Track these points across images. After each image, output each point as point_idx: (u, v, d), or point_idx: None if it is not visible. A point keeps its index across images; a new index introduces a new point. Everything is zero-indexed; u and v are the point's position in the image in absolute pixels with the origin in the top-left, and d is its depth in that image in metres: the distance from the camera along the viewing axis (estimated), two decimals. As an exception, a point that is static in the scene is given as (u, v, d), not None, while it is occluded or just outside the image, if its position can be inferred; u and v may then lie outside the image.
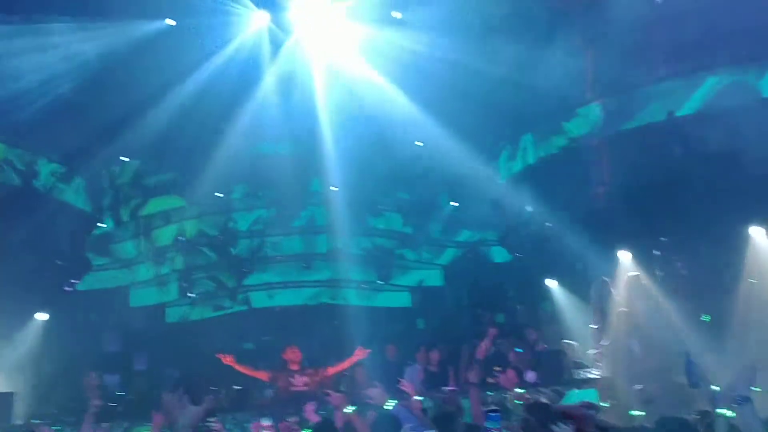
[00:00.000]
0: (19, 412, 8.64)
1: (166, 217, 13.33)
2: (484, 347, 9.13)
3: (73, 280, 11.58)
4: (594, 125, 11.15)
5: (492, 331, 9.89)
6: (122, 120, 10.55)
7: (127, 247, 13.30)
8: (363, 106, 11.04)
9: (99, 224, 12.23)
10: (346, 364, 9.59)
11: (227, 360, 9.34)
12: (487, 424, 3.30)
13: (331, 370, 9.49)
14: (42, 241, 10.08)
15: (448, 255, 14.32)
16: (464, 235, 14.21)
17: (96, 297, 12.28)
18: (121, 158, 11.89)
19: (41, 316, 10.85)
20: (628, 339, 9.02)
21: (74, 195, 11.24)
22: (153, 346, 12.78)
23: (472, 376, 6.88)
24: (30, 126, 10.08)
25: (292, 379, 9.22)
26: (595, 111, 11.14)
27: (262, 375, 9.47)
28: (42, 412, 9.03)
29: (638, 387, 7.39)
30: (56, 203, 10.65)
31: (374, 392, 5.55)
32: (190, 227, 13.65)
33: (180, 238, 13.26)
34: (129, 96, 10.25)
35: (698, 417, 4.99)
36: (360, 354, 9.45)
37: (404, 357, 10.73)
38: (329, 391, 7.33)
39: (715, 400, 4.34)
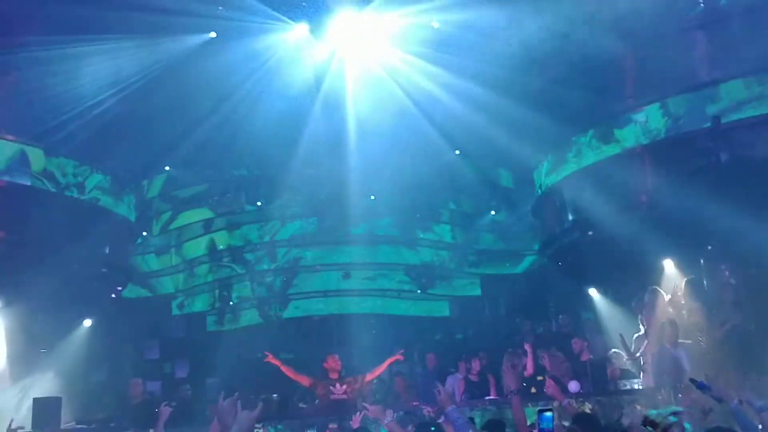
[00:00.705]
0: (66, 417, 8.78)
1: (200, 227, 13.50)
2: (529, 363, 9.10)
3: (118, 288, 11.79)
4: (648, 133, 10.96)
5: (528, 346, 9.88)
6: (167, 132, 10.73)
7: (165, 257, 13.52)
8: (404, 114, 11.03)
9: (143, 233, 12.44)
10: (383, 367, 9.61)
11: (274, 361, 9.44)
12: (541, 425, 3.26)
13: (369, 377, 9.50)
14: (88, 250, 10.26)
15: (488, 265, 14.26)
16: (505, 245, 14.14)
17: (139, 305, 12.48)
18: (166, 168, 12.07)
19: (87, 323, 11.10)
20: (675, 350, 8.83)
21: (118, 204, 11.44)
22: (194, 354, 12.94)
23: (513, 383, 6.82)
24: (78, 137, 10.31)
25: (332, 388, 9.23)
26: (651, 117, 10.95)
27: (304, 380, 9.50)
28: (88, 418, 9.18)
29: (693, 396, 7.18)
30: (101, 212, 10.84)
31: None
32: (222, 238, 13.84)
33: (216, 248, 13.43)
34: (174, 109, 10.42)
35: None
36: (397, 356, 9.49)
37: (444, 366, 10.70)
38: (366, 405, 7.35)
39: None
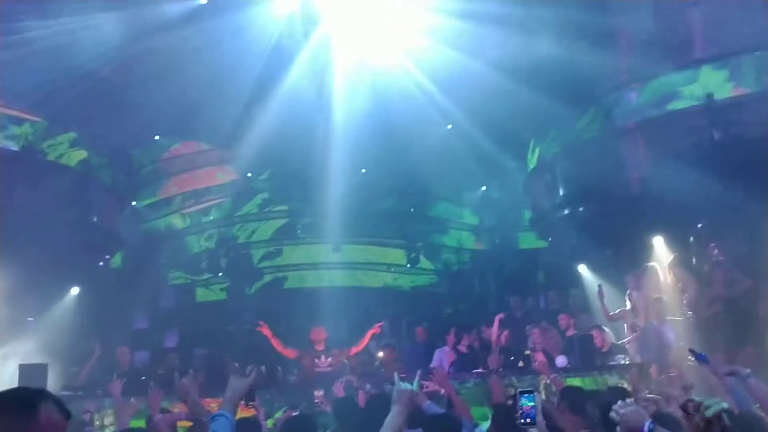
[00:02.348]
0: (52, 384, 8.76)
1: (194, 196, 13.40)
2: (495, 333, 9.14)
3: (106, 256, 11.73)
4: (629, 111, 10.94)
5: (499, 315, 9.96)
6: (152, 102, 10.59)
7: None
8: (386, 91, 10.94)
9: (132, 203, 12.35)
10: (365, 340, 9.70)
11: (267, 332, 9.52)
12: (522, 406, 3.26)
13: (354, 350, 9.60)
14: (75, 217, 10.19)
15: (477, 239, 14.27)
16: (494, 220, 14.13)
17: (128, 274, 12.42)
18: (156, 138, 11.95)
19: (75, 291, 11.06)
20: (662, 326, 8.89)
21: (105, 173, 11.34)
22: (183, 324, 12.92)
23: (493, 362, 6.93)
24: (65, 106, 10.17)
25: (317, 360, 9.32)
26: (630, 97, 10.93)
27: (291, 353, 9.58)
28: (74, 384, 9.17)
29: (674, 374, 7.25)
30: (88, 180, 10.74)
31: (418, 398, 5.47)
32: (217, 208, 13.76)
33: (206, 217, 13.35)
34: (159, 78, 10.28)
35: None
36: (375, 329, 9.58)
37: (433, 339, 10.73)
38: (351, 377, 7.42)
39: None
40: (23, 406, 2.06)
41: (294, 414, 5.98)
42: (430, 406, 5.00)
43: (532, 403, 3.44)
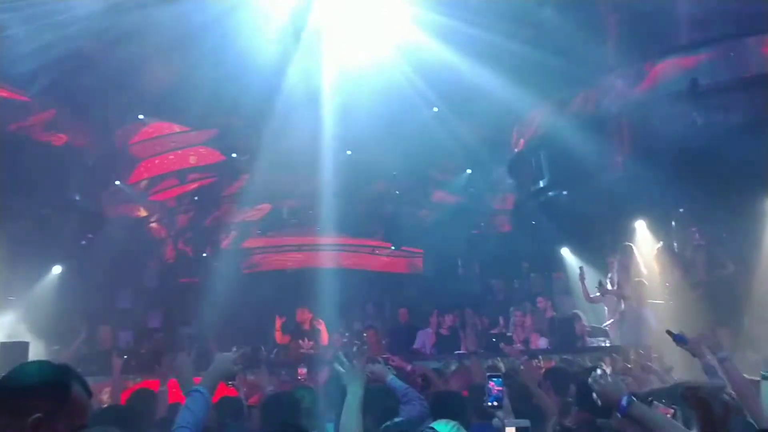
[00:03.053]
0: (34, 362, 8.74)
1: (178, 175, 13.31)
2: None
3: (89, 235, 11.66)
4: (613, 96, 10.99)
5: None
6: (133, 77, 10.48)
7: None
8: (384, 66, 10.88)
9: (116, 182, 12.26)
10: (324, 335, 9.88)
11: (278, 323, 9.75)
12: (490, 385, 3.33)
13: (324, 341, 9.82)
14: (58, 195, 10.12)
15: (462, 223, 14.29)
16: (478, 203, 14.16)
17: (111, 252, 12.34)
18: (139, 117, 11.82)
19: (57, 270, 11.00)
20: (643, 309, 8.97)
21: (87, 152, 11.25)
22: (166, 304, 12.89)
23: (470, 344, 7.07)
24: (45, 82, 10.05)
25: (301, 342, 9.49)
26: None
27: (286, 339, 9.84)
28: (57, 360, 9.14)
29: (655, 356, 7.33)
30: (71, 158, 10.65)
31: (377, 368, 5.53)
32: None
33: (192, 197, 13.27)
34: (147, 57, 10.17)
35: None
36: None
37: (415, 321, 10.79)
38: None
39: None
40: (57, 386, 1.96)
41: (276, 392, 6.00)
42: (393, 381, 5.05)
43: (500, 387, 3.52)
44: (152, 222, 13.52)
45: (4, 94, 10.04)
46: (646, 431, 2.94)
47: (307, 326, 9.75)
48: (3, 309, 9.81)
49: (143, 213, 13.31)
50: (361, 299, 11.75)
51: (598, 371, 3.10)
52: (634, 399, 2.95)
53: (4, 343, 8.58)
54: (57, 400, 1.93)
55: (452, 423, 3.14)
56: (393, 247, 14.19)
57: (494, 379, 3.26)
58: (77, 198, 10.81)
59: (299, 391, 4.97)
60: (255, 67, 10.76)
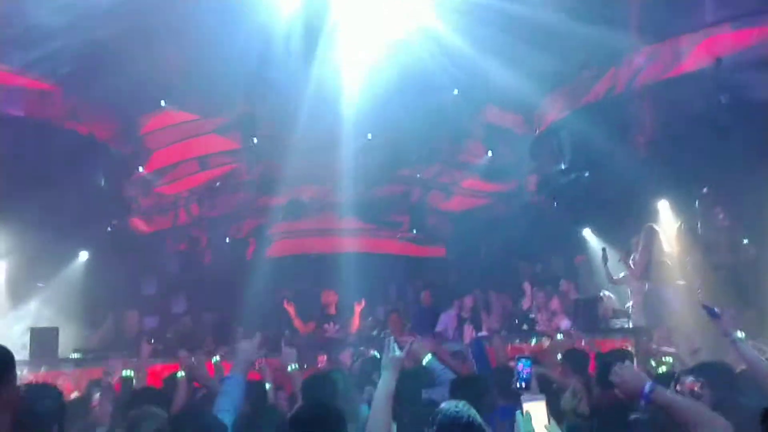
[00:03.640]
0: (63, 347, 8.93)
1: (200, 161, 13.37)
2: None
3: (114, 222, 11.81)
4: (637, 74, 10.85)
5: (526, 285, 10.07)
6: (155, 65, 10.52)
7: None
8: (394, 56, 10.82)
9: (139, 168, 12.35)
10: (356, 319, 9.90)
11: (289, 309, 9.78)
12: (520, 370, 3.33)
13: (354, 328, 9.84)
14: (83, 182, 10.25)
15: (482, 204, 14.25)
16: (499, 185, 14.09)
17: (136, 239, 12.50)
18: (162, 103, 11.88)
19: (84, 256, 11.18)
20: (666, 290, 8.92)
21: (112, 138, 11.35)
22: (191, 289, 13.04)
23: (494, 326, 7.11)
24: (69, 69, 10.14)
25: (326, 326, 9.50)
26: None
27: (309, 327, 9.85)
28: (84, 348, 9.32)
29: (681, 338, 7.29)
30: (96, 145, 10.76)
31: (416, 347, 5.60)
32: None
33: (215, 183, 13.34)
34: (166, 42, 10.20)
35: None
36: (361, 305, 9.96)
37: (438, 303, 10.83)
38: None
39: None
40: None
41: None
42: (431, 362, 5.12)
43: (529, 369, 3.53)
44: (175, 208, 13.62)
45: (28, 82, 10.16)
46: (673, 417, 2.93)
47: (332, 310, 9.79)
48: (32, 295, 10.01)
49: (166, 199, 13.41)
50: (384, 283, 11.80)
51: (618, 365, 3.11)
52: (657, 386, 2.96)
53: (34, 329, 8.77)
54: None
55: (461, 403, 3.18)
56: (415, 230, 14.19)
57: (522, 360, 3.24)
58: (102, 184, 10.93)
59: (334, 374, 5.05)
60: (275, 52, 10.78)
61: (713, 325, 4.61)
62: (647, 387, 2.95)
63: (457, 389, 4.48)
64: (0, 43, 9.56)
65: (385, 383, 3.55)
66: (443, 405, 3.21)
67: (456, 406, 3.13)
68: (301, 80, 11.11)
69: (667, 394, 3.00)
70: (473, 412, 3.07)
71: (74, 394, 6.49)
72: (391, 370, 3.61)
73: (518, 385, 3.47)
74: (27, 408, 2.78)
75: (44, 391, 3.17)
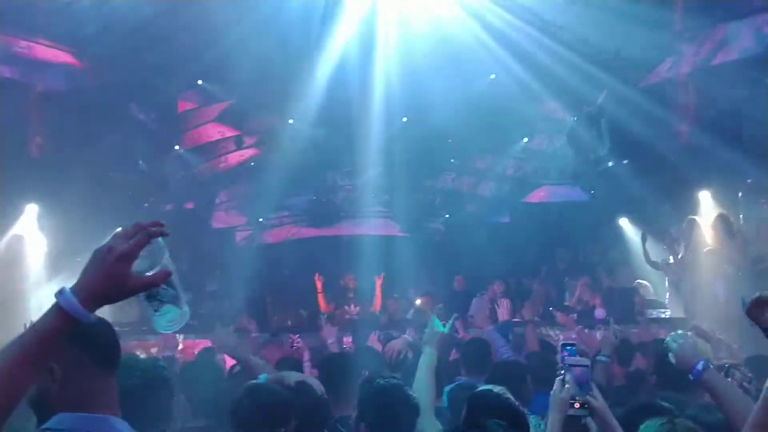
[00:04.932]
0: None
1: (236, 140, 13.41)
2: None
3: (150, 198, 11.94)
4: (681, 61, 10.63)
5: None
6: (197, 45, 10.55)
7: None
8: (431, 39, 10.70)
9: (175, 147, 12.47)
10: (378, 295, 9.91)
11: (318, 284, 9.85)
12: (565, 357, 3.25)
13: (376, 307, 9.85)
14: (122, 159, 10.37)
15: (518, 192, 14.13)
16: (536, 173, 13.96)
17: (171, 216, 12.61)
18: (199, 82, 11.94)
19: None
20: (714, 281, 8.72)
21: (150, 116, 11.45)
22: (224, 267, 13.15)
23: (527, 313, 7.06)
24: (110, 47, 10.22)
25: (347, 308, 9.52)
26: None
27: (330, 308, 9.88)
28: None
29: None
30: (135, 123, 10.87)
31: (479, 317, 5.68)
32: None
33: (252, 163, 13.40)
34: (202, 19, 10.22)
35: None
36: (380, 280, 10.03)
37: (470, 288, 10.78)
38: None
39: None
40: None
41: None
42: (491, 332, 5.15)
43: (574, 357, 3.46)
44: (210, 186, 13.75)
45: (69, 58, 10.28)
46: (717, 402, 2.88)
47: (351, 294, 9.89)
48: (71, 269, 10.15)
49: (202, 178, 13.52)
50: (415, 266, 11.76)
51: (677, 333, 3.04)
52: (711, 365, 2.89)
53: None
54: None
55: (499, 388, 3.14)
56: (448, 215, 14.13)
57: (568, 348, 3.17)
58: (140, 161, 11.05)
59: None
60: (311, 33, 10.76)
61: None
62: (701, 364, 2.88)
63: (497, 374, 4.44)
64: (41, 16, 9.70)
65: (427, 358, 3.55)
66: (482, 388, 3.18)
67: (498, 391, 3.10)
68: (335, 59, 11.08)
69: (719, 376, 2.93)
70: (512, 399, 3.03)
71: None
72: (432, 346, 3.63)
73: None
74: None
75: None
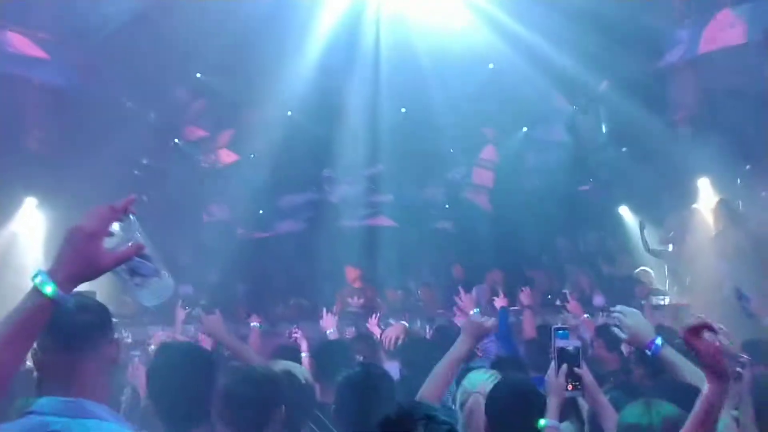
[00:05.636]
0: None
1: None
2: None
3: (149, 191, 11.93)
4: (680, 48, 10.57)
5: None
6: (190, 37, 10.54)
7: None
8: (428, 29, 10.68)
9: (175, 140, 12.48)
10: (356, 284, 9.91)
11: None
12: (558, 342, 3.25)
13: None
14: (122, 151, 10.37)
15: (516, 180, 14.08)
16: (534, 161, 13.90)
17: (170, 209, 12.61)
18: (197, 75, 11.94)
19: (116, 226, 11.30)
20: (717, 266, 8.70)
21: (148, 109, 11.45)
22: (224, 259, 13.15)
23: (525, 298, 7.03)
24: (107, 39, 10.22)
25: (350, 299, 9.47)
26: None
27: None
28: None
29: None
30: (134, 116, 10.88)
31: (465, 299, 5.68)
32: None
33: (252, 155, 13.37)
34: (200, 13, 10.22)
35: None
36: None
37: (470, 277, 10.77)
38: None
39: None
40: None
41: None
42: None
43: (567, 337, 3.46)
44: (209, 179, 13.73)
45: (68, 52, 10.26)
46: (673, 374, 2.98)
47: (358, 284, 9.86)
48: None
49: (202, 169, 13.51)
50: (416, 256, 11.78)
51: (619, 308, 3.04)
52: (666, 343, 2.91)
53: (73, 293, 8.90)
54: None
55: (490, 372, 3.13)
56: (447, 206, 14.11)
57: (560, 332, 3.17)
58: (140, 155, 11.07)
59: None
60: (308, 26, 10.75)
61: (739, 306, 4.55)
62: (658, 340, 2.91)
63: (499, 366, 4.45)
64: (38, 10, 9.71)
65: (458, 343, 3.48)
66: (471, 372, 3.20)
67: (485, 376, 3.12)
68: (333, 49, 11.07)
69: (674, 351, 2.96)
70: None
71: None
72: (468, 335, 3.48)
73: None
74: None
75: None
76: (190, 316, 7.07)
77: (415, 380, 3.61)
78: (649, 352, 2.92)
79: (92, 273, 1.76)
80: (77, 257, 1.73)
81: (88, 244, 1.74)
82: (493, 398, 2.94)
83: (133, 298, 1.94)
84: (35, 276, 1.70)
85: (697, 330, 2.28)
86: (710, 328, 2.30)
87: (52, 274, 1.70)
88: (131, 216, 1.86)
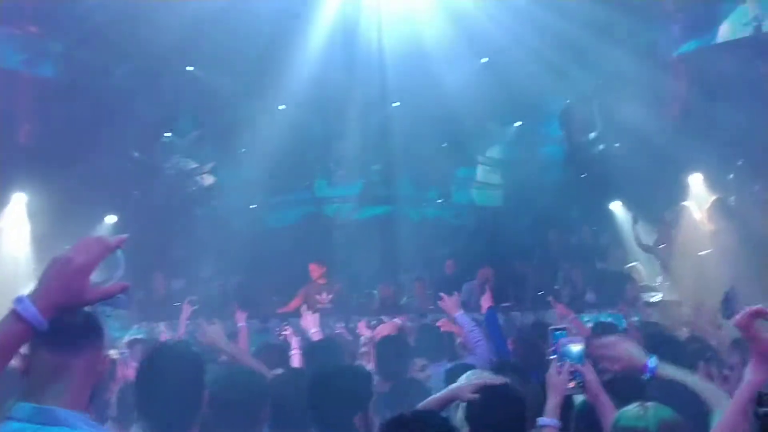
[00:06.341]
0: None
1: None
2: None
3: (142, 185, 11.89)
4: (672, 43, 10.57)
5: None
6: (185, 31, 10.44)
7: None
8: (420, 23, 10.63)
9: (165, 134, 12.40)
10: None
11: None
12: (555, 343, 3.21)
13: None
14: (113, 145, 10.30)
15: (510, 174, 14.08)
16: (527, 155, 13.88)
17: (164, 203, 12.57)
18: (187, 68, 11.84)
19: (110, 219, 11.26)
20: (709, 263, 8.70)
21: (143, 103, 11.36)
22: (218, 253, 13.12)
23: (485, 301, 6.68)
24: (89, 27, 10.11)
25: (318, 297, 9.31)
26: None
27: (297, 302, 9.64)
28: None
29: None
30: (124, 110, 10.79)
31: (447, 301, 5.68)
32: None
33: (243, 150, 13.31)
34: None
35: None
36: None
37: (461, 273, 10.77)
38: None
39: None
40: None
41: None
42: (461, 317, 5.17)
43: (565, 335, 3.43)
44: (203, 172, 13.65)
45: (59, 44, 10.17)
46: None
47: (323, 280, 9.80)
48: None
49: (193, 164, 13.44)
50: (408, 250, 11.76)
51: (599, 342, 3.00)
52: (660, 362, 2.84)
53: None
54: None
55: (477, 372, 3.12)
56: (441, 200, 14.10)
57: (558, 333, 3.14)
58: (132, 150, 11.00)
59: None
60: (299, 19, 10.67)
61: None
62: (651, 362, 2.82)
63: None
64: (29, 2, 9.62)
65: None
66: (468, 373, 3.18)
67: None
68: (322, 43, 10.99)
69: (670, 369, 2.85)
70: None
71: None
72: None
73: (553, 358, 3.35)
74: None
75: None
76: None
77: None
78: (645, 377, 2.85)
79: (75, 305, 1.79)
80: (62, 289, 1.75)
81: (76, 278, 1.75)
82: (472, 404, 2.92)
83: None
84: (17, 300, 1.72)
85: (752, 316, 2.24)
86: (765, 315, 2.25)
87: (34, 300, 1.72)
88: (119, 252, 1.86)
